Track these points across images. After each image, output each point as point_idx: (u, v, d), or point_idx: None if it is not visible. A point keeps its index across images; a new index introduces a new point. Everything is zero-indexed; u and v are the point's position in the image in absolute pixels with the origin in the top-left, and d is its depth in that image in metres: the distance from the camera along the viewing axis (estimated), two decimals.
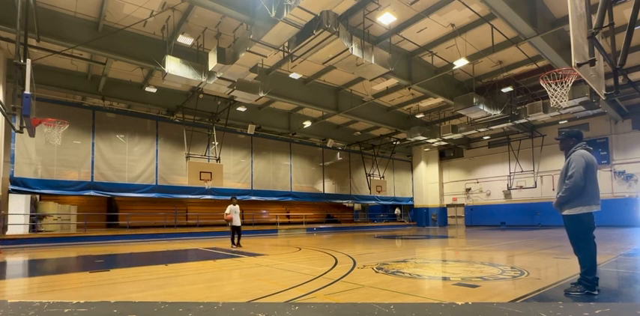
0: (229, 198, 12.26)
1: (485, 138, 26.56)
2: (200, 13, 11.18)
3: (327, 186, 26.06)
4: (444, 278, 5.19)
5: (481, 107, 15.78)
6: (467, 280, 4.91)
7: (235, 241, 11.16)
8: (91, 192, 15.49)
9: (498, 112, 16.80)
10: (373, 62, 11.08)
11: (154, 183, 17.18)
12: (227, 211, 11.11)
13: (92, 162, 15.65)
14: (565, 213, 4.01)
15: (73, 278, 5.90)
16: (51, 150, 14.34)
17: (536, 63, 14.50)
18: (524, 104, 17.56)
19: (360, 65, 11.15)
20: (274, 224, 21.76)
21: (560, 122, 22.70)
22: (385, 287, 4.53)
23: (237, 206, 11.27)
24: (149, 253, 10.23)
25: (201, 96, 16.25)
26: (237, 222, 11.13)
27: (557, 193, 4.07)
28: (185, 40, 12.25)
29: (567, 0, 3.91)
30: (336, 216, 28.64)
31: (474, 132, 20.70)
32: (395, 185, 29.58)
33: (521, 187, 24.90)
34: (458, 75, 16.71)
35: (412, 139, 22.06)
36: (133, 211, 18.42)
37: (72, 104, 15.63)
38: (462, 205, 29.06)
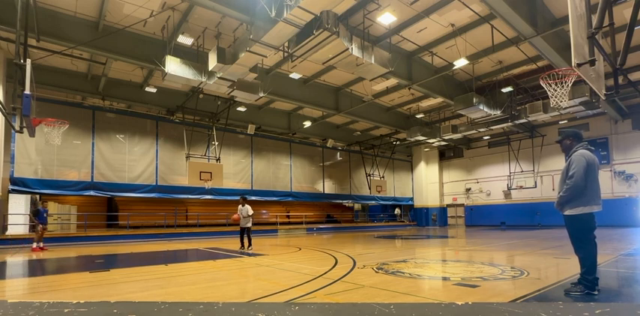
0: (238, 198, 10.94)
1: (486, 138, 26.55)
2: (200, 13, 11.18)
3: (327, 186, 26.06)
4: (444, 278, 5.19)
5: (481, 107, 15.78)
6: (467, 280, 4.91)
7: (245, 243, 10.25)
8: (91, 192, 15.49)
9: (498, 112, 16.79)
10: (373, 62, 11.08)
11: (154, 183, 17.18)
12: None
13: (92, 162, 15.65)
14: (566, 213, 4.01)
15: (73, 278, 5.90)
16: (51, 150, 14.34)
17: (536, 63, 14.50)
18: (524, 104, 17.55)
19: (360, 65, 11.15)
20: (274, 224, 21.75)
21: (560, 122, 22.70)
22: (385, 287, 4.53)
23: (246, 206, 10.11)
24: (149, 253, 10.23)
25: (201, 96, 16.25)
26: (241, 223, 10.22)
27: (559, 193, 4.07)
28: (185, 40, 12.24)
29: (567, 0, 3.91)
30: (336, 216, 28.63)
31: (474, 132, 20.69)
32: (395, 185, 29.58)
33: (521, 187, 24.89)
34: (458, 75, 16.71)
35: (412, 139, 22.06)
36: (133, 211, 18.42)
37: (72, 104, 15.62)
38: (462, 205, 29.05)
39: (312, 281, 4.99)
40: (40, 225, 10.76)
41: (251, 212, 10.12)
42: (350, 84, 17.29)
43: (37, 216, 10.78)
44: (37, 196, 16.61)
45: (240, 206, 10.25)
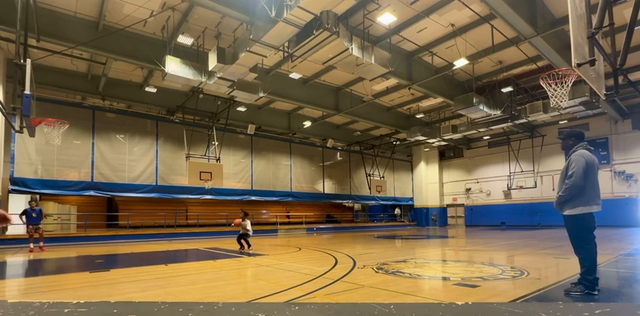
0: (241, 213, 10.88)
1: (486, 138, 26.55)
2: (200, 13, 11.18)
3: (327, 186, 26.05)
4: (444, 278, 5.19)
5: (481, 107, 15.78)
6: (467, 280, 4.91)
7: (244, 244, 10.24)
8: (91, 192, 15.48)
9: (498, 112, 16.79)
10: (373, 62, 11.08)
11: (154, 183, 17.17)
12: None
13: (92, 162, 15.64)
14: (566, 213, 4.01)
15: (73, 278, 5.90)
16: (51, 150, 14.33)
17: (536, 63, 14.50)
18: (524, 104, 17.55)
19: (360, 65, 11.15)
20: (274, 224, 21.75)
21: (560, 122, 22.69)
22: (385, 287, 4.53)
23: (246, 221, 10.16)
24: (149, 253, 10.23)
25: (201, 96, 16.25)
26: (242, 230, 10.29)
27: (558, 193, 4.07)
28: (185, 40, 12.24)
29: (567, 0, 3.91)
30: (336, 216, 28.63)
31: (474, 132, 20.69)
32: (395, 185, 29.58)
33: (521, 187, 24.89)
34: (458, 75, 16.71)
35: (412, 139, 22.05)
36: (133, 211, 18.42)
37: (72, 104, 15.62)
38: (462, 205, 29.05)
39: (312, 281, 4.99)
40: (30, 226, 10.67)
41: (249, 227, 10.19)
42: (350, 84, 17.29)
43: (26, 216, 10.65)
44: (37, 196, 16.62)
45: (240, 220, 10.26)
